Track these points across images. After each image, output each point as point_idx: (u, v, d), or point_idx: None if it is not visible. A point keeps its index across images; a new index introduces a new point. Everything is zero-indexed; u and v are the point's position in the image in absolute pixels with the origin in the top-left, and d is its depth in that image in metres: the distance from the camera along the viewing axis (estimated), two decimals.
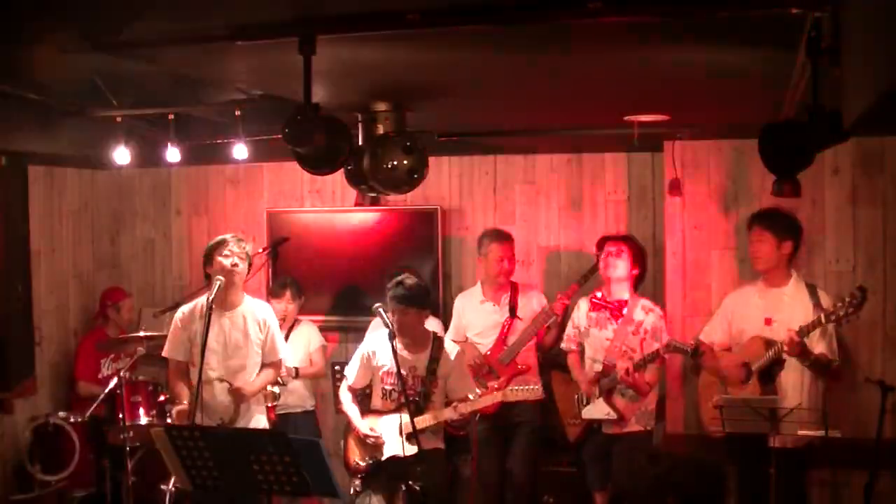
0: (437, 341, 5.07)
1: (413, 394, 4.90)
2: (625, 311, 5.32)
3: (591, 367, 5.41)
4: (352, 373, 5.16)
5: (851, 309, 4.52)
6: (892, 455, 4.88)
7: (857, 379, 5.21)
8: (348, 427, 5.15)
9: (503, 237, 5.80)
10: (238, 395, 4.82)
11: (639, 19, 2.88)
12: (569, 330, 5.58)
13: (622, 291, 5.36)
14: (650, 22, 2.91)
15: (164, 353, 5.02)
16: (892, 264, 5.39)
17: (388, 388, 5.03)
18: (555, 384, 5.77)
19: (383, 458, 4.96)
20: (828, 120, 3.08)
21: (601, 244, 5.53)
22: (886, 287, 5.39)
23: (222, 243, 4.88)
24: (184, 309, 5.00)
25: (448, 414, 4.96)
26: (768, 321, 4.95)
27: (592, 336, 5.40)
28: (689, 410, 5.62)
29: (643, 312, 5.31)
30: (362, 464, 5.04)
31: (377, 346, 5.07)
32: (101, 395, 5.77)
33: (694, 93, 4.34)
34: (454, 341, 5.89)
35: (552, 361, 5.84)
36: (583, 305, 5.51)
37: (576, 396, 5.49)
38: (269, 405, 5.80)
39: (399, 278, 5.05)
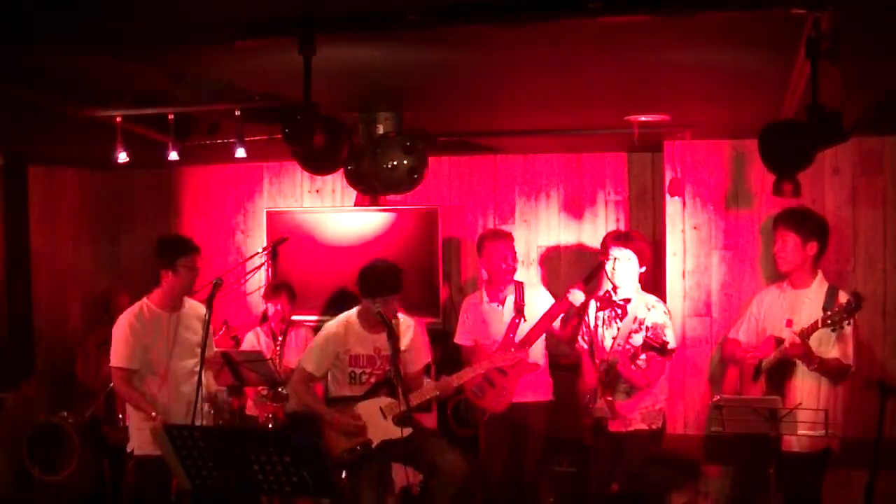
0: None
1: (382, 374, 4.89)
2: (629, 308, 5.28)
3: (598, 366, 5.35)
4: (313, 362, 5.02)
5: (846, 314, 4.51)
6: (892, 455, 4.88)
7: (857, 379, 5.20)
8: (319, 419, 4.98)
9: (499, 235, 5.74)
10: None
11: (638, 19, 2.88)
12: (581, 329, 5.49)
13: (628, 290, 5.30)
14: (650, 22, 2.92)
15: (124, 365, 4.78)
16: (893, 264, 5.39)
17: (358, 371, 4.94)
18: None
19: (374, 445, 4.88)
20: (828, 120, 3.09)
21: (605, 246, 5.39)
22: (886, 287, 5.39)
23: (192, 253, 4.86)
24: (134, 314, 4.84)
25: (432, 390, 4.98)
26: (789, 322, 4.89)
27: (600, 335, 5.36)
28: (690, 411, 5.63)
29: (645, 309, 5.25)
30: (351, 453, 4.90)
31: (341, 330, 4.99)
32: (101, 395, 5.77)
33: (694, 93, 4.35)
34: (461, 344, 5.87)
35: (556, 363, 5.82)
36: (592, 305, 5.44)
37: (587, 396, 5.45)
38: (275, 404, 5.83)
39: (372, 267, 4.96)
